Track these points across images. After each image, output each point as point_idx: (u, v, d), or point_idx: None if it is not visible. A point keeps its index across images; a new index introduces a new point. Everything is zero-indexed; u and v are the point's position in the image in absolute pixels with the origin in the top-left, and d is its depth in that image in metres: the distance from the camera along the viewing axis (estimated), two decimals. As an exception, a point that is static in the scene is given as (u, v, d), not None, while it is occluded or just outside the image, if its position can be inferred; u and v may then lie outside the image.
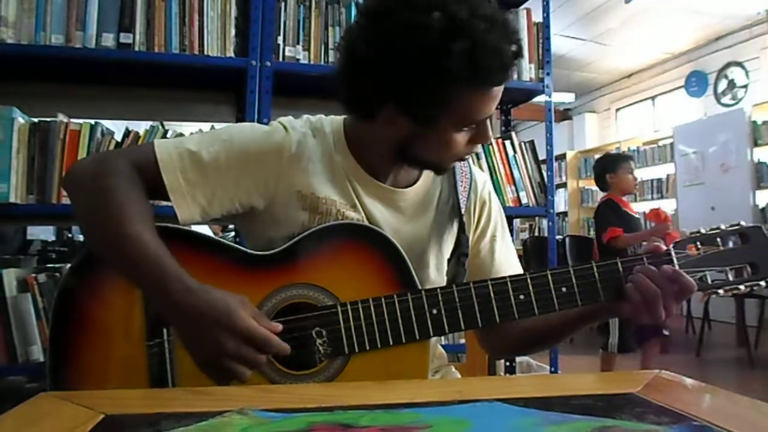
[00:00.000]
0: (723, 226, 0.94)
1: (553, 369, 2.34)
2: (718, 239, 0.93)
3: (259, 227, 0.99)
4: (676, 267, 0.89)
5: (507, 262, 1.11)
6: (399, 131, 0.92)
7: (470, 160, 1.11)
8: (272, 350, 0.79)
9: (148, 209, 0.87)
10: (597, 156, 7.98)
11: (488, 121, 0.93)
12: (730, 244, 0.93)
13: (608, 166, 3.58)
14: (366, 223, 0.99)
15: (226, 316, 0.77)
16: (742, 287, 0.92)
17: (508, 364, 2.43)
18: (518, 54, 0.87)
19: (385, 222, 1.01)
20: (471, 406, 0.60)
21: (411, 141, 0.93)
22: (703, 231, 0.93)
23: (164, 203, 0.96)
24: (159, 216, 0.90)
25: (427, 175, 1.07)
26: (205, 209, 0.94)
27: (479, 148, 0.94)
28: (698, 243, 0.93)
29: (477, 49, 0.81)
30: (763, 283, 0.92)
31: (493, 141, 2.27)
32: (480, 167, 2.18)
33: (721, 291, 0.92)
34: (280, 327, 0.82)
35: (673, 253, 0.91)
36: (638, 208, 7.31)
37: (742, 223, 0.94)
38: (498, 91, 0.89)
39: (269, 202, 0.97)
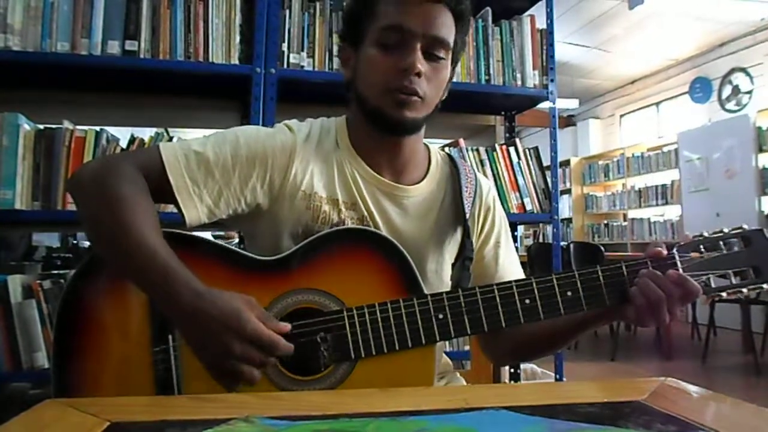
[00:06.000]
0: (725, 230, 0.94)
1: (558, 376, 2.33)
2: (721, 243, 0.93)
3: (264, 227, 1.00)
4: (681, 271, 0.90)
5: (510, 268, 1.11)
6: (351, 71, 1.02)
7: (475, 168, 1.11)
8: (279, 353, 0.79)
9: (153, 213, 0.87)
10: (601, 162, 8.01)
11: (416, 50, 0.95)
12: (735, 249, 0.93)
13: None
14: (369, 225, 1.00)
15: (235, 320, 0.76)
16: (745, 290, 0.92)
17: (512, 371, 2.42)
18: None
19: (384, 220, 1.02)
20: (477, 413, 0.59)
21: (356, 80, 1.01)
22: (706, 234, 0.94)
23: (169, 209, 0.96)
24: (164, 222, 0.89)
25: (432, 176, 1.08)
26: (211, 209, 0.94)
27: (418, 84, 0.94)
28: (701, 246, 0.93)
29: None
30: (765, 286, 0.92)
31: (498, 147, 2.27)
32: (484, 173, 2.19)
33: (724, 294, 0.92)
34: (288, 327, 0.81)
35: (677, 257, 0.92)
36: (643, 214, 7.35)
37: (744, 226, 0.94)
38: (415, 6, 0.94)
39: (274, 201, 0.98)
